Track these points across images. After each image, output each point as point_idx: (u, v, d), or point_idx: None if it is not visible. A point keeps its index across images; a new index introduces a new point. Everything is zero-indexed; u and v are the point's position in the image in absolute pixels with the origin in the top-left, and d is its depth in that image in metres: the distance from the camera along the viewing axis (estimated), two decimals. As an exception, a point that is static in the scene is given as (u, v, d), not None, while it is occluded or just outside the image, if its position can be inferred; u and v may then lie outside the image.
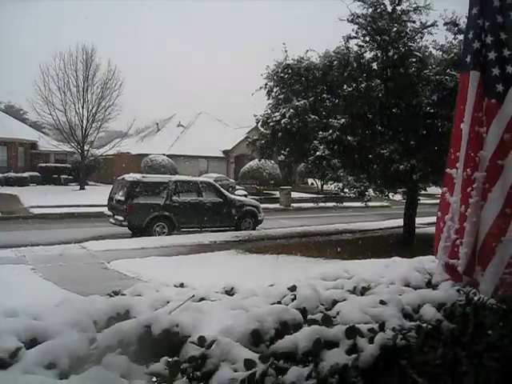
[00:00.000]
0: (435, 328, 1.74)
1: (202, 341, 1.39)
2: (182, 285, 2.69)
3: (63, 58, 32.43)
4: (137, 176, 16.20)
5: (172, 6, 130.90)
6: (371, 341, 1.46)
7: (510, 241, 2.92)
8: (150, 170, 31.27)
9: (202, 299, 2.29)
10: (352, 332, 1.43)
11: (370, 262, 4.60)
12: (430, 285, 3.14)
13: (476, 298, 2.08)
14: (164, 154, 36.50)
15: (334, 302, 2.11)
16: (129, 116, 36.64)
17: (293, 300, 2.03)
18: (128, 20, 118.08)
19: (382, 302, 1.91)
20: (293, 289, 2.16)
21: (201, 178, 19.94)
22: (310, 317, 1.65)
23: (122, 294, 2.45)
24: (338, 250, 12.73)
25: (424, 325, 1.70)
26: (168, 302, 2.12)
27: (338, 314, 1.86)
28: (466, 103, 3.20)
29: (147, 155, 35.66)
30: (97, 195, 22.42)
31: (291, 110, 12.98)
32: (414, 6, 13.01)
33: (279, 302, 2.00)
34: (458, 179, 3.25)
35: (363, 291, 2.37)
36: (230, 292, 2.60)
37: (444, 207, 3.40)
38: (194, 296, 1.85)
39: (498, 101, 3.07)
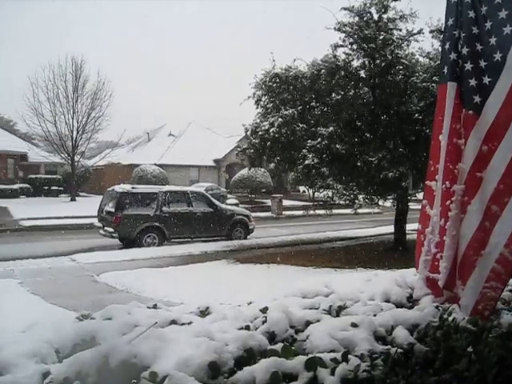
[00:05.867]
0: (406, 352, 1.68)
1: (153, 376, 1.32)
2: (155, 306, 2.62)
3: (52, 68, 32.47)
4: (126, 187, 16.17)
5: (167, 14, 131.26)
6: (333, 372, 1.40)
7: (489, 254, 2.87)
8: (140, 181, 31.16)
9: (172, 322, 2.23)
10: (312, 364, 1.37)
11: (353, 275, 4.57)
12: (410, 299, 3.09)
13: (450, 319, 2.01)
14: (155, 164, 36.36)
15: (307, 324, 2.05)
16: (119, 126, 36.77)
17: (264, 323, 1.98)
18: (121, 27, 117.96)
19: (354, 325, 1.85)
20: (264, 310, 2.10)
21: (191, 188, 19.90)
22: (269, 347, 1.59)
23: (92, 318, 2.38)
24: (329, 258, 12.72)
25: (393, 350, 1.64)
26: (136, 326, 2.05)
27: (307, 338, 1.81)
28: (444, 114, 3.17)
29: (138, 165, 35.51)
30: (88, 206, 22.25)
31: (280, 119, 12.93)
32: (400, 14, 13.04)
33: (248, 326, 1.94)
34: (438, 192, 3.21)
35: (339, 310, 2.31)
36: (204, 312, 2.54)
37: (424, 220, 3.35)
38: (156, 323, 1.78)
39: (476, 112, 3.02)
